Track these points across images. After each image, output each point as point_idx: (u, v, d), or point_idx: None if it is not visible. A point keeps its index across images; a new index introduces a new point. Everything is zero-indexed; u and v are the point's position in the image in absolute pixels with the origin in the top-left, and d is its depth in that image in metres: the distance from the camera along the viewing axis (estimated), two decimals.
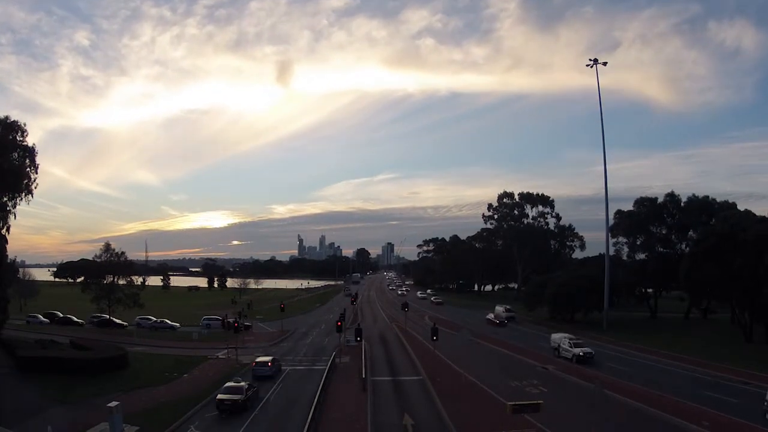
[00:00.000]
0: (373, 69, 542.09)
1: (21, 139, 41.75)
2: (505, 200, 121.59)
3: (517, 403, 22.00)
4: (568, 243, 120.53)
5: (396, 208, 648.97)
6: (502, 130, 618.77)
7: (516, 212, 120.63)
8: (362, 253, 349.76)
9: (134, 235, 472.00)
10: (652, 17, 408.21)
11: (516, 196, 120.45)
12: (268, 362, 37.36)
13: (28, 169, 42.08)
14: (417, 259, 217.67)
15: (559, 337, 46.90)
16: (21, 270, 73.69)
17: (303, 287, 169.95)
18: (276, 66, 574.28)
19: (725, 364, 39.12)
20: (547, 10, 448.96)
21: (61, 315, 67.02)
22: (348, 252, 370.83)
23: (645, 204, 74.25)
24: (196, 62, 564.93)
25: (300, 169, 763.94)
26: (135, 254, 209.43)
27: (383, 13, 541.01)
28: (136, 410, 26.31)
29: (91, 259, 73.96)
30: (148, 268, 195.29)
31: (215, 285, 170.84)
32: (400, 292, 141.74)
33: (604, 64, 67.33)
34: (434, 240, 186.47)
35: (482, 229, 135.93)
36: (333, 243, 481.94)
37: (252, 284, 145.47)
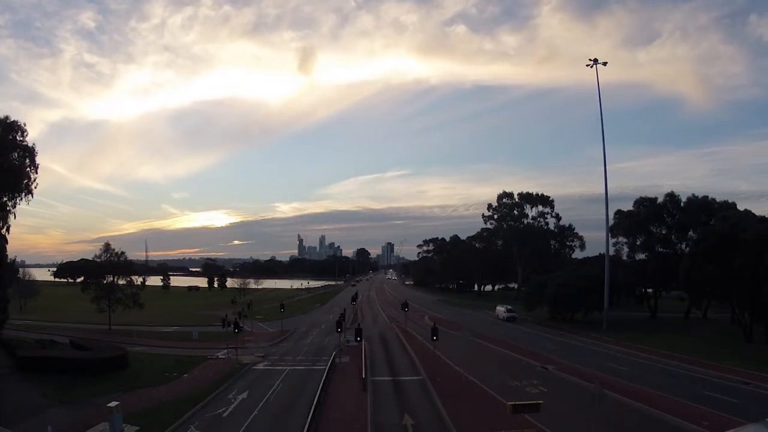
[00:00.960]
0: (398, 58, 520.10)
1: (21, 139, 41.97)
2: (504, 200, 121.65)
3: (517, 402, 21.99)
4: (568, 243, 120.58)
5: (401, 207, 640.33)
6: (526, 125, 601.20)
7: (516, 212, 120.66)
8: (362, 253, 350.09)
9: (134, 234, 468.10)
10: (694, 9, 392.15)
11: (516, 196, 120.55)
12: None
13: (28, 169, 42.22)
14: (417, 259, 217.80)
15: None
16: (21, 270, 73.71)
17: (303, 287, 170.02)
18: (295, 54, 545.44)
19: (725, 364, 39.10)
20: None
21: None
22: (348, 252, 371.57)
23: (645, 204, 74.33)
24: (209, 48, 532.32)
25: (308, 165, 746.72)
26: (135, 254, 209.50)
27: None
28: (136, 410, 26.31)
29: (90, 259, 74.13)
30: (148, 268, 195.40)
31: (215, 285, 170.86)
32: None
33: (604, 64, 67.15)
34: (434, 240, 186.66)
35: (482, 229, 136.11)
36: (333, 243, 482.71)
37: (252, 284, 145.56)
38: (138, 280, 71.90)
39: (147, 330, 62.09)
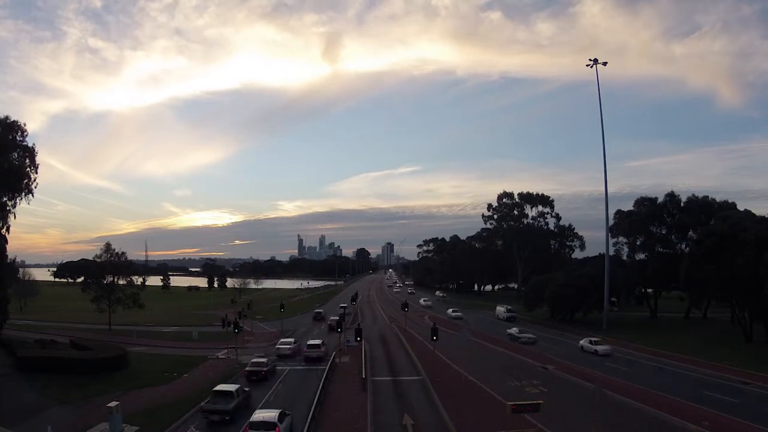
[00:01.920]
0: (425, 47, 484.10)
1: (21, 139, 42.08)
2: (504, 200, 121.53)
3: (517, 403, 22.00)
4: (568, 243, 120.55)
5: (407, 207, 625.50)
6: (550, 120, 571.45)
7: (516, 212, 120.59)
8: (362, 253, 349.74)
9: (134, 233, 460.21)
10: (738, 0, 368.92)
11: (516, 196, 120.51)
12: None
13: (28, 169, 42.23)
14: (417, 259, 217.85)
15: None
16: (21, 270, 73.70)
17: (303, 287, 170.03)
18: (317, 39, 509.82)
19: (725, 364, 39.12)
20: None
21: None
22: (348, 252, 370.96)
23: (645, 204, 74.37)
24: (224, 32, 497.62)
25: (317, 162, 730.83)
26: (135, 254, 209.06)
27: None
28: (136, 410, 26.31)
29: (91, 259, 74.09)
30: (148, 268, 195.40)
31: (215, 285, 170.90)
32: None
33: (604, 64, 67.44)
34: (434, 240, 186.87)
35: (482, 229, 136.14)
36: (333, 243, 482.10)
37: (252, 284, 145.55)
38: (138, 280, 71.86)
39: (147, 330, 62.10)
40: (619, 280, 69.56)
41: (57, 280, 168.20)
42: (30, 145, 42.65)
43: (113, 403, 22.24)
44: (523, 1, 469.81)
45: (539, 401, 21.83)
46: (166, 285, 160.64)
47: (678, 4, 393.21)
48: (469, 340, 40.67)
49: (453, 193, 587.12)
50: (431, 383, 33.67)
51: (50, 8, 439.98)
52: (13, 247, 43.22)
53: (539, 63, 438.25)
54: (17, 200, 41.68)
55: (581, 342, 49.40)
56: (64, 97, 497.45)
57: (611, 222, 75.17)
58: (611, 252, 73.42)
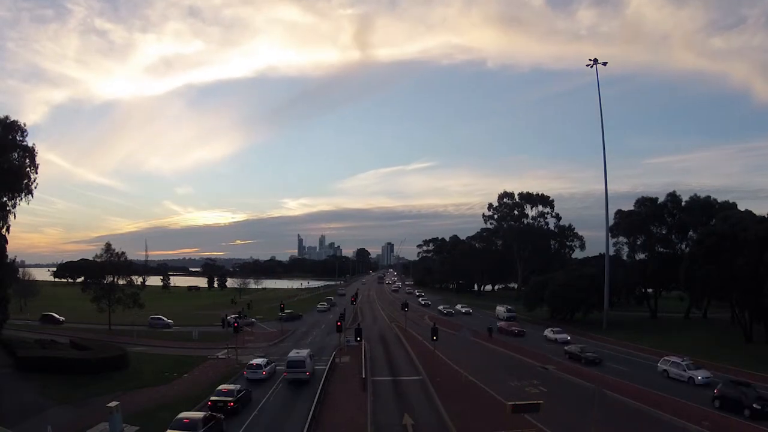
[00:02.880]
0: (460, 33, 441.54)
1: (21, 139, 42.23)
2: (505, 200, 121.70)
3: (517, 403, 22.00)
4: (568, 243, 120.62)
5: (414, 206, 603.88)
6: (578, 116, 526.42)
7: (516, 212, 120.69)
8: (362, 253, 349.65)
9: (134, 233, 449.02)
10: None
11: (516, 196, 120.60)
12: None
13: (28, 169, 42.31)
14: (417, 259, 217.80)
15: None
16: (21, 270, 73.65)
17: (303, 287, 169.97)
18: (344, 23, 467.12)
19: (725, 364, 39.10)
20: None
21: None
22: (348, 251, 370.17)
23: (645, 204, 74.37)
24: (242, 13, 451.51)
25: (325, 158, 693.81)
26: (135, 253, 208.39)
27: None
28: (136, 410, 26.33)
29: (91, 259, 74.08)
30: (148, 268, 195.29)
31: (215, 285, 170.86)
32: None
33: (604, 64, 67.40)
34: (434, 240, 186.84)
35: (482, 229, 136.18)
36: (333, 243, 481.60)
37: (252, 284, 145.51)
38: (138, 280, 71.85)
39: (147, 330, 62.11)
40: (619, 280, 69.53)
41: (57, 280, 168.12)
42: (30, 144, 42.79)
43: (113, 403, 22.23)
44: None
45: (539, 401, 21.83)
46: (166, 285, 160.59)
47: None
48: (470, 340, 40.64)
49: (463, 191, 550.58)
50: (431, 383, 33.67)
51: None
52: (12, 247, 43.21)
53: (575, 55, 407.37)
54: (17, 200, 41.77)
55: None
56: (66, 85, 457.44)
57: (611, 222, 75.26)
58: (611, 252, 73.54)
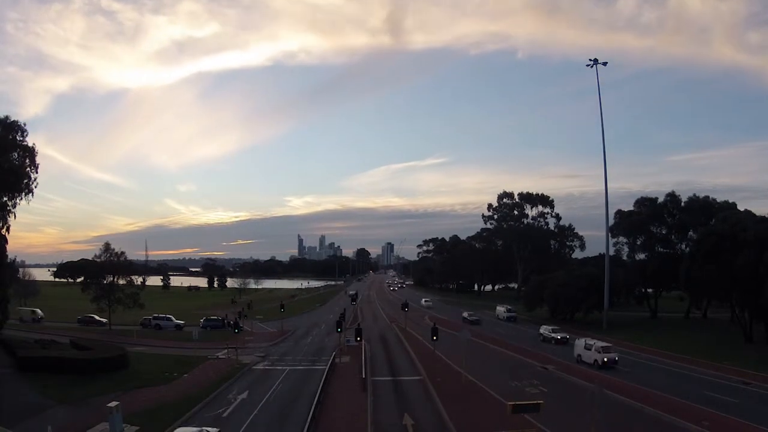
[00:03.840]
0: (494, 21, 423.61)
1: (21, 138, 42.26)
2: (504, 200, 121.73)
3: (517, 403, 22.00)
4: (568, 243, 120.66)
5: (420, 205, 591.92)
6: (605, 111, 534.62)
7: (516, 212, 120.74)
8: (362, 253, 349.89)
9: (134, 232, 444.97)
10: None
11: (516, 196, 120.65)
12: None
13: (28, 169, 42.33)
14: (417, 259, 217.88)
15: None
16: (21, 270, 73.72)
17: (303, 287, 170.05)
18: (373, 8, 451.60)
19: (725, 364, 39.12)
20: None
21: None
22: (348, 251, 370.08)
23: (645, 204, 74.54)
24: None
25: (334, 153, 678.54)
26: (135, 253, 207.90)
27: None
28: (136, 410, 26.29)
29: (90, 258, 74.12)
30: (148, 268, 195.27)
31: (215, 285, 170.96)
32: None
33: (604, 64, 67.36)
34: (434, 240, 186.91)
35: (482, 229, 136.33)
36: (333, 243, 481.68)
37: (252, 284, 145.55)
38: (138, 280, 71.84)
39: (147, 330, 62.12)
40: (619, 280, 69.57)
41: (57, 280, 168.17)
42: (30, 144, 42.86)
43: (113, 403, 22.20)
44: None
45: (539, 401, 21.83)
46: (166, 285, 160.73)
47: None
48: (470, 340, 40.56)
49: (475, 189, 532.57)
50: (431, 383, 33.67)
51: None
52: (11, 247, 43.25)
53: (609, 46, 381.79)
54: (17, 200, 41.80)
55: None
56: (69, 73, 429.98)
57: (611, 222, 75.28)
58: (611, 252, 73.58)
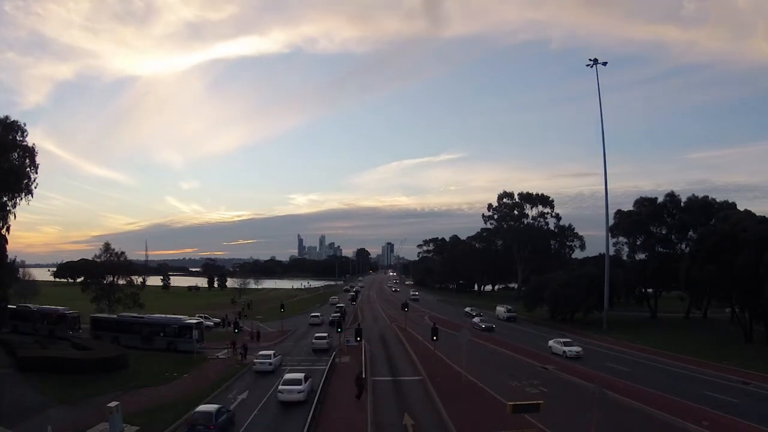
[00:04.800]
0: (536, 7, 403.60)
1: (21, 138, 42.33)
2: (504, 200, 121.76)
3: (517, 402, 22.01)
4: (568, 243, 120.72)
5: (427, 204, 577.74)
6: (636, 110, 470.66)
7: (516, 212, 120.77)
8: (362, 253, 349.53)
9: (135, 232, 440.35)
10: None
11: (516, 196, 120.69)
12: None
13: (28, 169, 42.36)
14: (417, 259, 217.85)
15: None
16: (21, 270, 73.65)
17: (303, 287, 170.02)
18: None
19: (725, 364, 39.14)
20: None
21: None
22: (348, 251, 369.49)
23: (645, 204, 74.54)
24: None
25: (342, 148, 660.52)
26: (135, 253, 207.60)
27: None
28: (136, 410, 26.29)
29: (90, 258, 74.20)
30: (148, 268, 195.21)
31: (215, 285, 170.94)
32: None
33: (604, 64, 67.35)
34: (434, 240, 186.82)
35: (482, 229, 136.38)
36: (333, 243, 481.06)
37: (252, 284, 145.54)
38: (138, 280, 71.91)
39: None
40: (619, 280, 69.60)
41: (57, 280, 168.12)
42: (30, 144, 42.94)
43: (113, 403, 22.20)
44: None
45: (539, 401, 21.83)
46: (166, 285, 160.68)
47: None
48: (470, 340, 40.53)
49: (485, 187, 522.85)
50: (431, 383, 33.67)
51: None
52: (11, 247, 43.27)
53: (644, 38, 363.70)
54: (17, 200, 41.83)
55: None
56: (72, 59, 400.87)
57: (611, 222, 75.31)
58: (611, 252, 73.60)
